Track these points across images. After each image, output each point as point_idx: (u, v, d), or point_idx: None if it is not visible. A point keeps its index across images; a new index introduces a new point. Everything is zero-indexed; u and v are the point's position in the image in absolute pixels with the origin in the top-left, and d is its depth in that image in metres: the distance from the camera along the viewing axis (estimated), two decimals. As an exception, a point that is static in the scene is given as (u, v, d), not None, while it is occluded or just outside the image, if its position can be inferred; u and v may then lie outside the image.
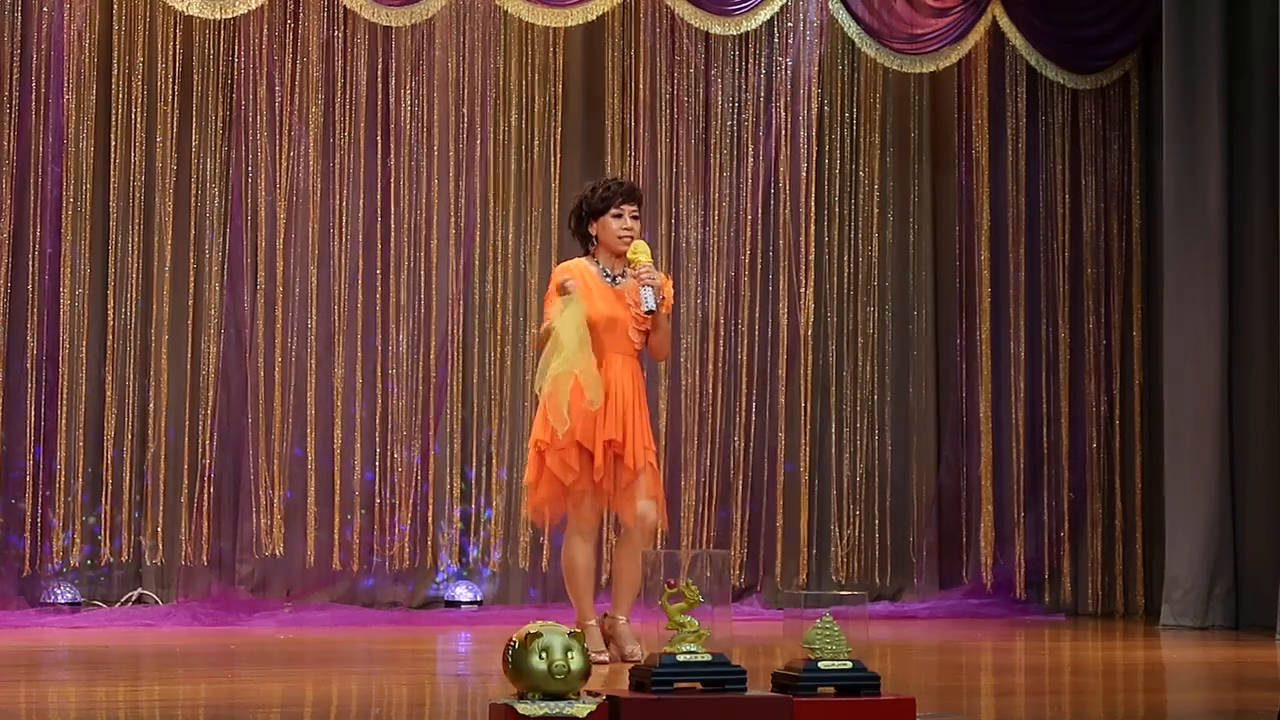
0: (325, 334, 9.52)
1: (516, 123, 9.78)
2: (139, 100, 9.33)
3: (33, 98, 9.14)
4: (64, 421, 9.15)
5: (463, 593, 9.61)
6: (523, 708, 4.43)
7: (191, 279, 9.38)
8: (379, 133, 9.60)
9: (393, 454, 9.54)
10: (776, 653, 6.41)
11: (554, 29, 9.74)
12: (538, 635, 4.47)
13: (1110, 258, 10.52)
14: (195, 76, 9.39)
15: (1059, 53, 10.33)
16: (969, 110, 10.38)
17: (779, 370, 10.02)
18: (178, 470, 9.32)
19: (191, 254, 9.39)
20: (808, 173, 10.07)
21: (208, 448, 9.31)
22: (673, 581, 4.65)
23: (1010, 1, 10.23)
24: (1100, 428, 10.43)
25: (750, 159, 10.01)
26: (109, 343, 9.26)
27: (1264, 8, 9.26)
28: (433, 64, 9.64)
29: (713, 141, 9.99)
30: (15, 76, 9.15)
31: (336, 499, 9.47)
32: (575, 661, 4.46)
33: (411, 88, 9.62)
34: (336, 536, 9.46)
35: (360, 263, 9.57)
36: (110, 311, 9.28)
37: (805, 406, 10.06)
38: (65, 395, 9.17)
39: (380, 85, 9.59)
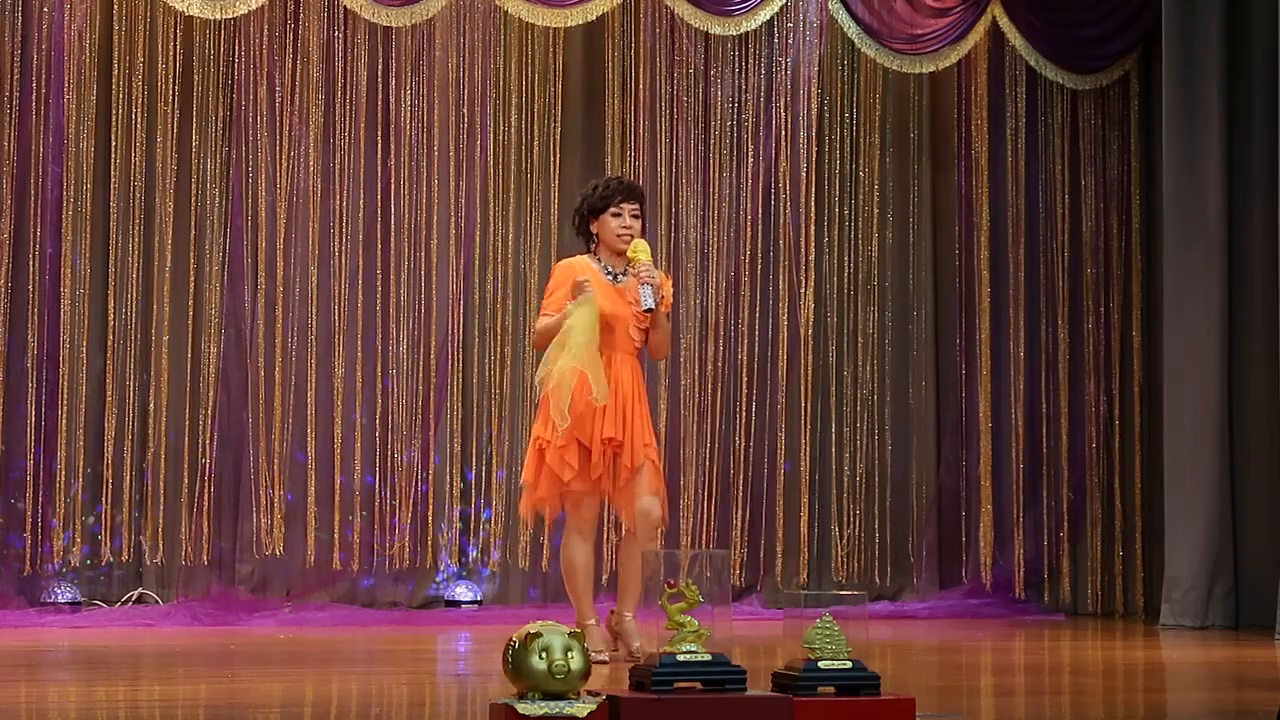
0: (325, 334, 9.52)
1: (516, 123, 9.78)
2: (139, 100, 9.33)
3: (33, 98, 9.14)
4: (64, 421, 9.16)
5: (463, 593, 9.61)
6: (523, 708, 4.43)
7: (192, 279, 9.39)
8: (379, 133, 9.60)
9: (393, 454, 9.54)
10: (776, 653, 6.41)
11: (554, 29, 9.74)
12: (538, 635, 4.47)
13: (1110, 258, 10.52)
14: (195, 77, 9.40)
15: (1059, 53, 10.33)
16: (969, 110, 10.39)
17: (779, 370, 10.02)
18: (178, 470, 9.32)
19: (192, 254, 9.40)
20: (808, 173, 10.07)
21: (208, 448, 9.32)
22: (673, 581, 4.65)
23: (1010, 1, 10.23)
24: (1100, 428, 10.44)
25: (750, 159, 10.02)
26: (109, 343, 9.27)
27: (1264, 8, 9.26)
28: (433, 64, 9.65)
29: (713, 141, 10.00)
30: (15, 77, 9.15)
31: (336, 499, 9.48)
32: (575, 661, 4.46)
33: (411, 88, 9.62)
34: (336, 536, 9.46)
35: (360, 263, 9.57)
36: (110, 311, 9.28)
37: (805, 406, 10.06)
38: (65, 395, 9.17)
39: (380, 85, 9.59)
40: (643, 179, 9.67)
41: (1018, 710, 5.76)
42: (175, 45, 9.37)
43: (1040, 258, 10.44)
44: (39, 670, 7.04)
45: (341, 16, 9.52)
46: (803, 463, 10.04)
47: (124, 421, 9.25)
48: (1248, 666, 7.46)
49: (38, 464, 9.10)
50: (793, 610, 5.11)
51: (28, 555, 9.06)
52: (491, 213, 9.74)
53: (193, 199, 9.41)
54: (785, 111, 10.04)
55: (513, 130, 9.78)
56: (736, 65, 10.02)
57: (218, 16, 9.28)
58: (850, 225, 10.25)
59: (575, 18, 9.65)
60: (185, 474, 9.31)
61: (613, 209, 7.04)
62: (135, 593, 9.24)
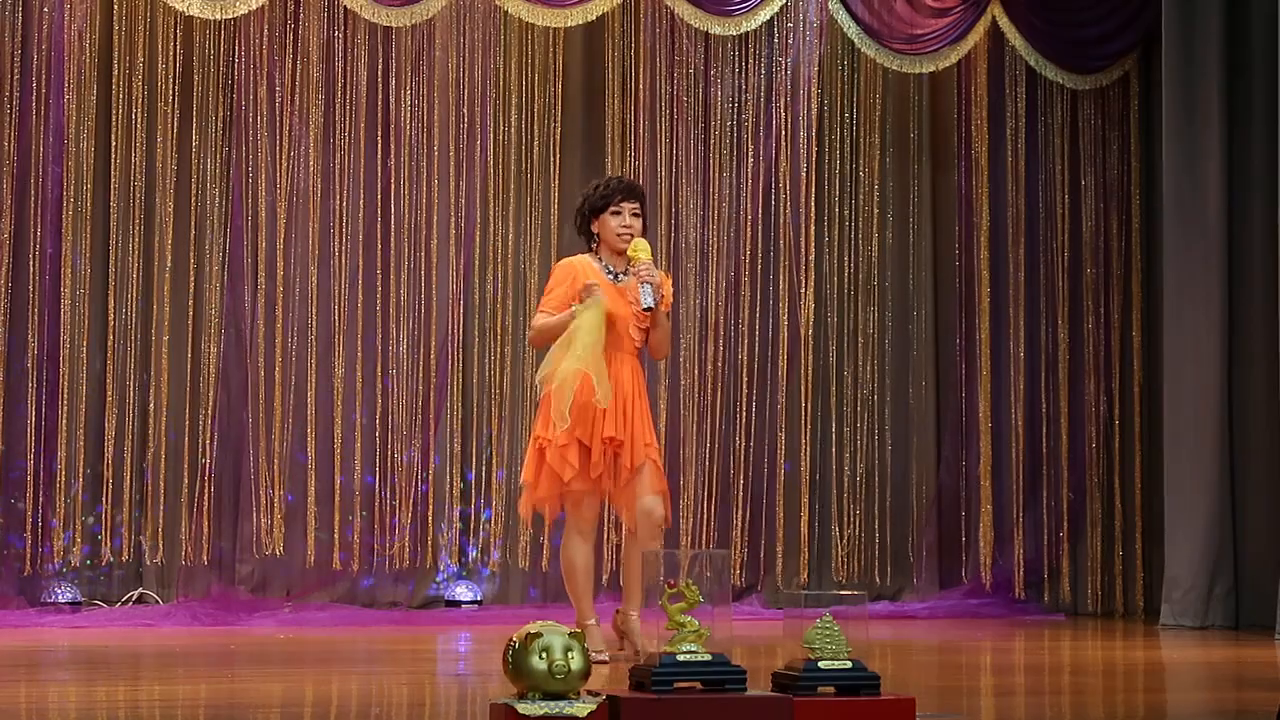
0: (325, 334, 9.52)
1: (516, 123, 9.78)
2: (139, 100, 9.33)
3: (33, 98, 9.14)
4: (64, 421, 9.16)
5: (463, 593, 9.61)
6: (523, 708, 4.43)
7: (191, 279, 9.39)
8: (379, 133, 9.60)
9: (393, 454, 9.54)
10: (776, 653, 6.41)
11: (554, 29, 9.74)
12: (538, 635, 4.47)
13: (1110, 258, 10.52)
14: (195, 77, 9.40)
15: (1059, 53, 10.33)
16: (969, 110, 10.39)
17: (779, 370, 10.02)
18: (178, 470, 9.32)
19: (192, 254, 9.40)
20: (808, 173, 10.07)
21: (208, 448, 9.32)
22: (673, 581, 4.65)
23: (1010, 1, 10.23)
24: (1100, 428, 10.44)
25: (750, 159, 10.02)
26: (109, 343, 9.27)
27: (1264, 8, 9.26)
28: (433, 64, 9.65)
29: (713, 141, 10.00)
30: (15, 77, 9.15)
31: (336, 499, 9.48)
32: (575, 661, 4.46)
33: (411, 88, 9.62)
34: (336, 536, 9.46)
35: (360, 263, 9.57)
36: (110, 311, 9.28)
37: (805, 406, 10.06)
38: (65, 395, 9.17)
39: (380, 85, 9.60)
40: (643, 179, 9.66)
41: (1018, 710, 5.76)
42: (175, 45, 9.37)
43: (1040, 258, 10.44)
44: (39, 670, 7.04)
45: (341, 16, 9.52)
46: (803, 462, 10.04)
47: (124, 421, 9.25)
48: (1248, 666, 7.46)
49: (38, 464, 9.10)
50: (793, 610, 5.11)
51: (28, 555, 9.06)
52: (491, 213, 9.74)
53: (193, 199, 9.41)
54: (785, 111, 10.04)
55: (513, 130, 9.78)
56: (736, 65, 10.02)
57: (218, 16, 9.28)
58: (850, 225, 10.25)
59: (575, 18, 9.65)
60: (185, 474, 9.32)
61: (613, 208, 7.04)
62: (135, 593, 9.24)
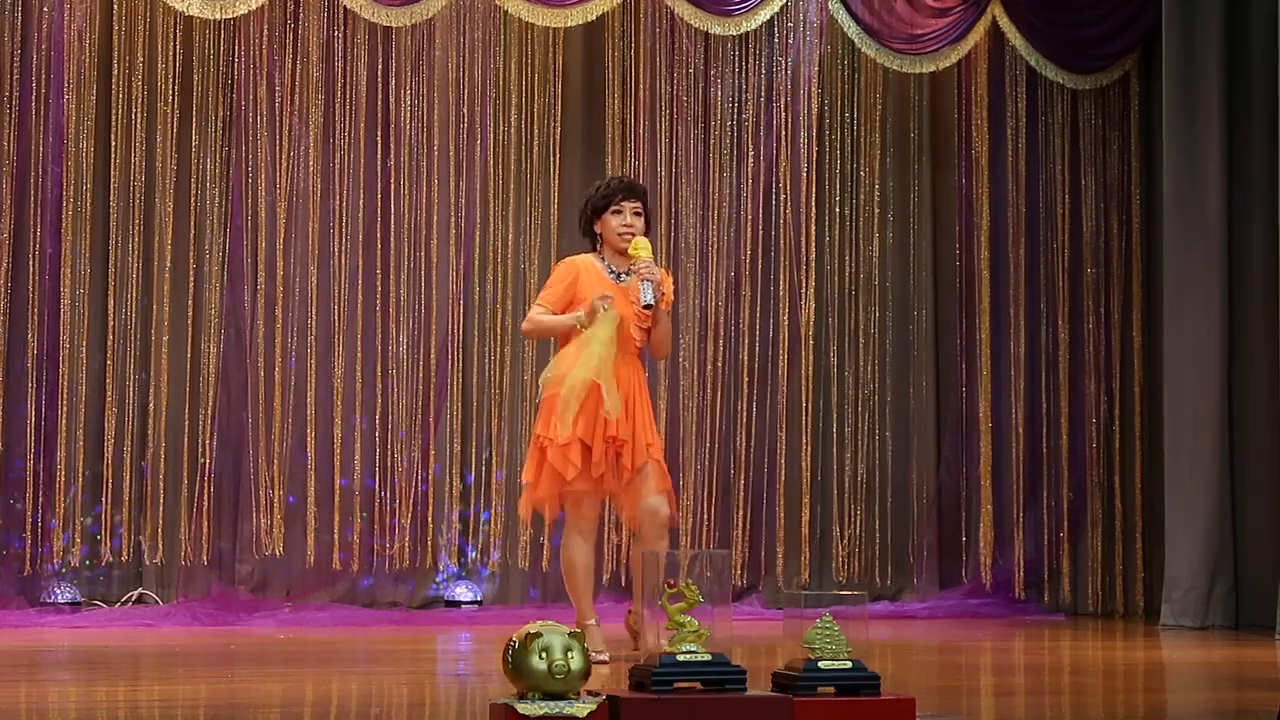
0: (325, 334, 9.52)
1: (516, 123, 9.78)
2: (139, 100, 9.33)
3: (33, 98, 9.14)
4: (64, 421, 9.15)
5: (463, 593, 9.61)
6: (523, 708, 4.43)
7: (191, 279, 9.39)
8: (379, 133, 9.60)
9: (393, 454, 9.54)
10: (776, 653, 6.41)
11: (554, 29, 9.74)
12: (538, 635, 4.47)
13: (1110, 258, 10.52)
14: (195, 76, 9.40)
15: (1059, 53, 10.33)
16: (969, 110, 10.39)
17: (779, 370, 10.02)
18: (178, 470, 9.32)
19: (191, 254, 9.40)
20: (808, 173, 10.07)
21: (208, 448, 9.32)
22: (673, 581, 4.65)
23: (1010, 1, 10.23)
24: (1100, 428, 10.44)
25: (750, 159, 10.02)
26: (109, 343, 9.27)
27: (1264, 8, 9.26)
28: (433, 64, 9.65)
29: (713, 141, 10.00)
30: (15, 77, 9.15)
31: (336, 499, 9.48)
32: (575, 661, 4.46)
33: (411, 88, 9.62)
34: (336, 536, 9.46)
35: (360, 263, 9.57)
36: (110, 311, 9.28)
37: (805, 406, 10.06)
38: (65, 395, 9.17)
39: (380, 85, 9.60)
40: (643, 179, 9.66)
41: (1018, 710, 5.76)
42: (175, 45, 9.37)
43: (1040, 258, 10.44)
44: (39, 670, 7.04)
45: (341, 16, 9.52)
46: (803, 462, 10.04)
47: (124, 421, 9.25)
48: (1248, 666, 7.46)
49: (37, 464, 9.10)
50: (793, 610, 5.10)
51: (27, 555, 9.06)
52: (491, 213, 9.74)
53: (193, 199, 9.41)
54: (785, 111, 10.04)
55: (513, 130, 9.78)
56: (736, 65, 10.02)
57: (218, 16, 9.28)
58: (850, 225, 10.25)
59: (575, 18, 9.65)
60: (185, 474, 9.31)
61: (614, 207, 7.05)
62: (135, 593, 9.24)
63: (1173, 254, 9.63)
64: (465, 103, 9.67)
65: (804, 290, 10.05)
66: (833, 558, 10.11)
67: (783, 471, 10.00)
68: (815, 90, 10.10)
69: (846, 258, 10.23)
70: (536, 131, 9.81)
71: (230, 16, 9.30)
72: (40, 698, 5.99)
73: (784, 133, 10.04)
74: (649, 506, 6.92)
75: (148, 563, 9.25)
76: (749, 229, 9.99)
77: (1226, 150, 9.48)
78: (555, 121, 9.83)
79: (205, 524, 9.27)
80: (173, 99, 9.37)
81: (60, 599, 9.08)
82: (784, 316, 10.05)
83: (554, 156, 9.83)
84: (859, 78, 10.26)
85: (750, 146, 10.02)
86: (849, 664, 4.69)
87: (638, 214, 7.06)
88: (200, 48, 9.40)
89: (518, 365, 9.71)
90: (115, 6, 9.31)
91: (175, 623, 8.85)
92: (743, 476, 9.95)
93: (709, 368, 9.92)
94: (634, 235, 7.01)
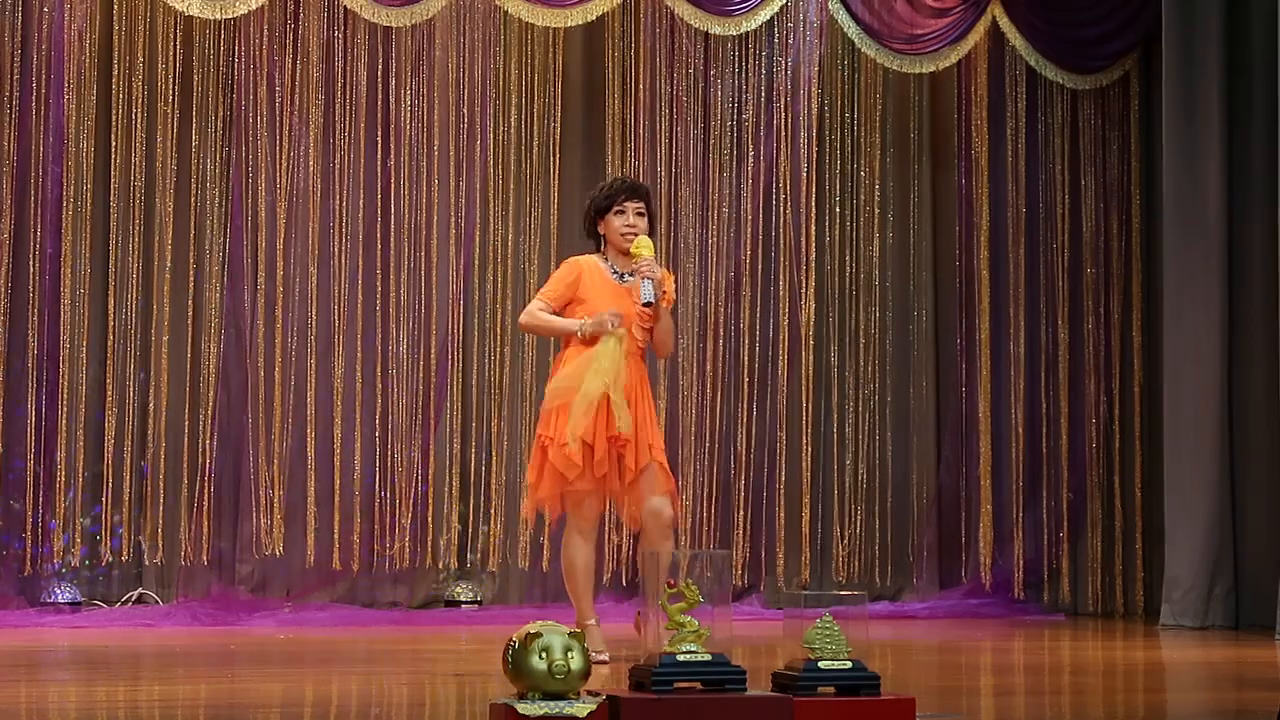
0: (325, 334, 9.52)
1: (516, 123, 9.78)
2: (139, 100, 9.33)
3: (33, 98, 9.14)
4: (64, 421, 9.15)
5: (463, 593, 9.61)
6: (523, 708, 4.43)
7: (191, 279, 9.39)
8: (379, 133, 9.60)
9: (393, 454, 9.54)
10: (776, 653, 6.41)
11: (554, 29, 9.74)
12: (538, 635, 4.47)
13: (1110, 258, 10.52)
14: (195, 77, 9.40)
15: (1059, 53, 10.33)
16: (969, 110, 10.39)
17: (779, 370, 10.02)
18: (178, 470, 9.32)
19: (191, 254, 9.40)
20: (808, 173, 10.07)
21: (208, 447, 9.31)
22: (673, 581, 4.65)
23: (1010, 1, 10.23)
24: (1100, 428, 10.44)
25: (750, 159, 10.02)
26: (109, 343, 9.26)
27: (1264, 8, 9.26)
28: (433, 64, 9.65)
29: (713, 141, 10.00)
30: (15, 77, 9.15)
31: (336, 499, 9.48)
32: (575, 661, 4.46)
33: (411, 88, 9.62)
34: (336, 536, 9.46)
35: (360, 263, 9.57)
36: (110, 311, 9.28)
37: (806, 406, 10.06)
38: (65, 395, 9.17)
39: (380, 85, 9.60)
40: (643, 179, 9.65)
41: (1018, 710, 5.76)
42: (175, 45, 9.37)
43: (1040, 258, 10.44)
44: (39, 670, 7.04)
45: (341, 16, 9.52)
46: (803, 463, 10.04)
47: (124, 421, 9.25)
48: (1248, 666, 7.46)
49: (37, 464, 9.10)
50: (793, 610, 5.10)
51: (27, 555, 9.06)
52: (491, 213, 9.74)
53: (193, 199, 9.41)
54: (785, 111, 10.04)
55: (512, 130, 9.78)
56: (736, 65, 10.02)
57: (218, 16, 9.28)
58: (850, 225, 10.25)
59: (575, 18, 9.65)
60: (185, 474, 9.31)
61: (616, 208, 7.05)
62: (135, 593, 9.24)
63: (1173, 254, 9.63)
64: (465, 103, 9.67)
65: (804, 290, 10.05)
66: (833, 558, 10.12)
67: (783, 472, 10.00)
68: (815, 90, 10.10)
69: (846, 258, 10.23)
70: (536, 131, 9.81)
71: (230, 16, 9.30)
72: (40, 698, 5.99)
73: (784, 133, 10.04)
74: (653, 508, 6.91)
75: (148, 563, 9.25)
76: (749, 229, 9.99)
77: (1226, 150, 9.48)
78: (555, 121, 9.83)
79: (205, 524, 9.27)
80: (173, 99, 9.37)
81: (60, 599, 9.08)
82: (784, 316, 10.05)
83: (554, 156, 9.83)
84: (859, 78, 10.26)
85: (750, 146, 10.02)
86: (849, 664, 4.69)
87: (641, 214, 7.06)
88: (200, 48, 9.40)
89: (518, 365, 9.71)
90: (115, 6, 9.31)
91: (175, 623, 8.85)
92: (743, 477, 9.95)
93: (709, 368, 9.92)
94: (637, 235, 7.01)
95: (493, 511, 9.65)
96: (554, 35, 9.80)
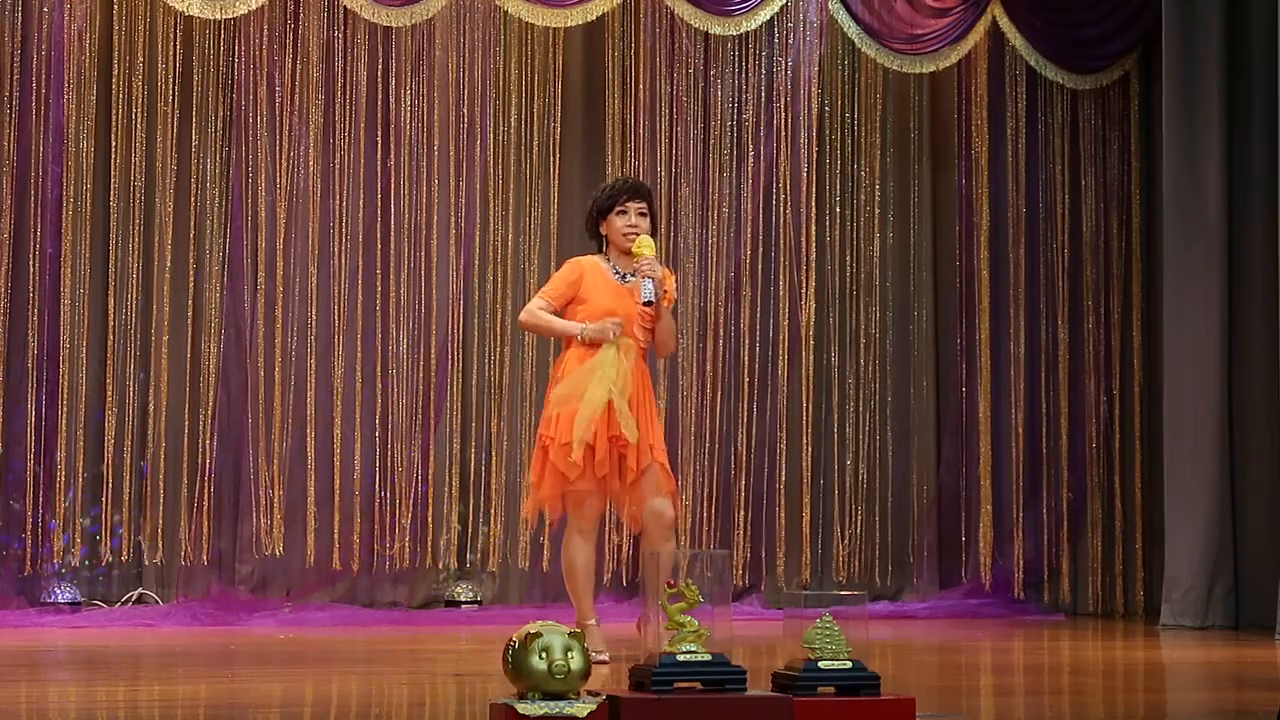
0: (325, 334, 9.52)
1: (516, 123, 9.78)
2: (139, 100, 9.33)
3: (33, 98, 9.14)
4: (64, 421, 9.15)
5: (463, 593, 9.61)
6: (523, 708, 4.43)
7: (191, 279, 9.39)
8: (379, 133, 9.60)
9: (393, 454, 9.54)
10: (776, 653, 6.40)
11: (554, 29, 9.75)
12: (538, 635, 4.47)
13: (1110, 258, 10.52)
14: (195, 77, 9.40)
15: (1059, 53, 10.33)
16: (969, 110, 10.39)
17: (779, 370, 10.02)
18: (178, 470, 9.32)
19: (191, 254, 9.40)
20: (808, 173, 10.08)
21: (208, 447, 9.31)
22: (673, 581, 4.65)
23: (1010, 1, 10.23)
24: (1100, 428, 10.44)
25: (750, 159, 10.02)
26: (109, 343, 9.26)
27: (1264, 8, 9.26)
28: (433, 64, 9.65)
29: (713, 141, 10.00)
30: (15, 76, 9.15)
31: (336, 499, 9.47)
32: (575, 661, 4.46)
33: (411, 88, 9.62)
34: (336, 536, 9.46)
35: (360, 263, 9.57)
36: (110, 311, 9.28)
37: (806, 406, 10.06)
38: (65, 395, 9.17)
39: (380, 85, 9.60)
40: (643, 179, 9.64)
41: (1018, 710, 5.76)
42: (175, 45, 9.37)
43: (1040, 258, 10.44)
44: (39, 670, 7.04)
45: (341, 16, 9.52)
46: (803, 463, 10.04)
47: (124, 421, 9.25)
48: (1248, 666, 7.46)
49: (37, 464, 9.10)
50: (793, 610, 5.10)
51: (27, 555, 9.06)
52: (491, 213, 9.74)
53: (193, 199, 9.41)
54: (785, 111, 10.04)
55: (512, 130, 9.78)
56: (736, 65, 10.02)
57: (218, 16, 9.28)
58: (850, 225, 10.25)
59: (575, 18, 9.65)
60: (185, 474, 9.31)
61: (618, 208, 7.05)
62: (135, 593, 9.24)
63: (1173, 254, 9.63)
64: (465, 103, 9.67)
65: (804, 290, 10.05)
66: (833, 558, 10.12)
67: (783, 472, 10.00)
68: (815, 90, 10.10)
69: (846, 258, 10.24)
70: (536, 131, 9.81)
71: (230, 16, 9.30)
72: (40, 698, 5.99)
73: (784, 133, 10.04)
74: (654, 509, 6.92)
75: (148, 563, 9.25)
76: (749, 229, 9.99)
77: (1226, 150, 9.48)
78: (555, 121, 9.83)
79: (205, 524, 9.27)
80: (173, 99, 9.37)
81: (60, 599, 9.08)
82: (784, 316, 10.05)
83: (554, 156, 9.83)
84: (859, 78, 10.26)
85: (750, 146, 10.02)
86: (849, 664, 4.69)
87: (643, 214, 7.06)
88: (200, 48, 9.40)
89: (518, 365, 9.71)
90: (115, 6, 9.31)
91: (175, 623, 8.85)
92: (743, 477, 9.95)
93: (709, 368, 9.92)
94: (639, 235, 7.01)
95: (493, 511, 9.65)
96: (554, 35, 9.80)
